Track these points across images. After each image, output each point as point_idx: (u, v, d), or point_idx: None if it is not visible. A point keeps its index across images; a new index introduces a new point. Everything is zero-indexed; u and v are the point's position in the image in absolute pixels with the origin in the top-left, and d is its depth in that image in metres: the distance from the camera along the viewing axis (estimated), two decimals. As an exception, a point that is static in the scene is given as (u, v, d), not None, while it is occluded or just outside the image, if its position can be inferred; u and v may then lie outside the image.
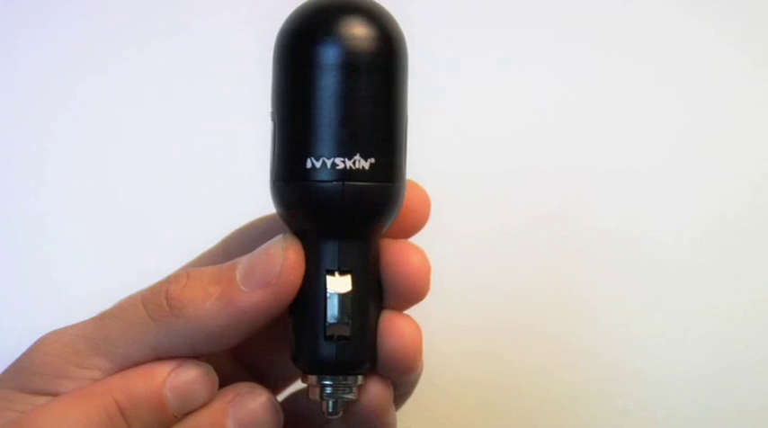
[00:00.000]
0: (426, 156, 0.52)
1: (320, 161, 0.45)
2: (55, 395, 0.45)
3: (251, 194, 0.51)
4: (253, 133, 0.51)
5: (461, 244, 0.72)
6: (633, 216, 0.73)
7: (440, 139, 0.72)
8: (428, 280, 0.47)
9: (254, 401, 0.46)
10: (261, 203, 0.48)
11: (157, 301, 0.45)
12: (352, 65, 0.45)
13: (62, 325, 0.48)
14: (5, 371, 0.46)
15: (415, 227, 0.48)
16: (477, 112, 0.73)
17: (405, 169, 0.46)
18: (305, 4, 0.46)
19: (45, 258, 0.74)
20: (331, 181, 0.45)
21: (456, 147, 0.73)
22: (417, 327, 0.47)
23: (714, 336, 0.74)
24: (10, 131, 0.74)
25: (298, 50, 0.45)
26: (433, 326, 0.68)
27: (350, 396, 0.46)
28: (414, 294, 0.47)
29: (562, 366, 0.73)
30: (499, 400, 0.73)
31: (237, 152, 0.71)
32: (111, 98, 0.74)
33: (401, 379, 0.48)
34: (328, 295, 0.46)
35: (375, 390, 0.47)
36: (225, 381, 0.47)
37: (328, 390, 0.46)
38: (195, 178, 0.74)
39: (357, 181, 0.45)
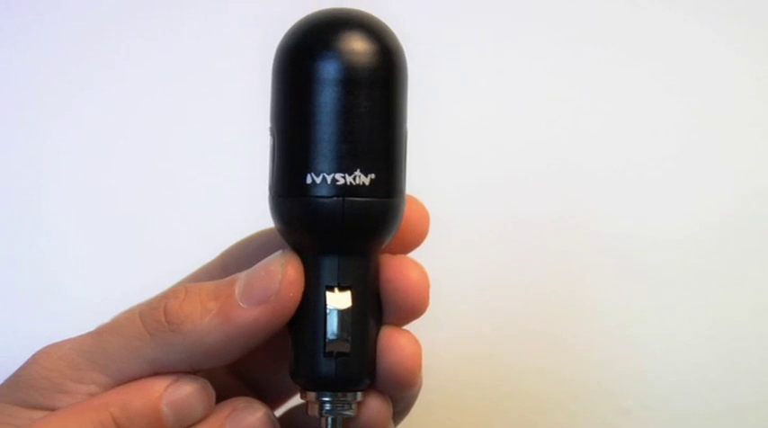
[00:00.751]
0: (424, 168, 0.52)
1: (320, 176, 0.44)
2: (52, 409, 0.45)
3: (253, 200, 0.50)
4: (258, 142, 0.50)
5: (462, 246, 0.72)
6: (633, 217, 0.73)
7: (436, 149, 0.72)
8: (427, 295, 0.47)
9: (251, 416, 0.46)
10: (263, 208, 0.47)
11: (155, 316, 0.45)
12: (352, 80, 0.44)
13: (62, 328, 0.48)
14: (2, 385, 0.46)
15: (414, 242, 0.48)
16: (474, 118, 0.73)
17: (405, 184, 0.46)
18: (303, 19, 0.45)
19: (44, 260, 0.74)
20: (331, 196, 0.44)
21: (452, 154, 0.73)
22: (417, 343, 0.47)
23: (714, 336, 0.74)
24: (10, 132, 0.74)
25: (297, 65, 0.45)
26: (435, 328, 0.68)
27: (349, 413, 0.46)
28: (413, 310, 0.47)
29: (563, 366, 0.73)
30: (500, 401, 0.73)
31: (242, 158, 0.71)
32: (112, 100, 0.74)
33: (400, 395, 0.47)
34: (328, 311, 0.45)
35: (374, 407, 0.47)
36: (223, 396, 0.47)
37: (327, 407, 0.46)
38: (196, 180, 0.74)
39: (358, 196, 0.45)
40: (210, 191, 0.74)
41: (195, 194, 0.74)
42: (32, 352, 0.47)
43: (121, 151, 0.74)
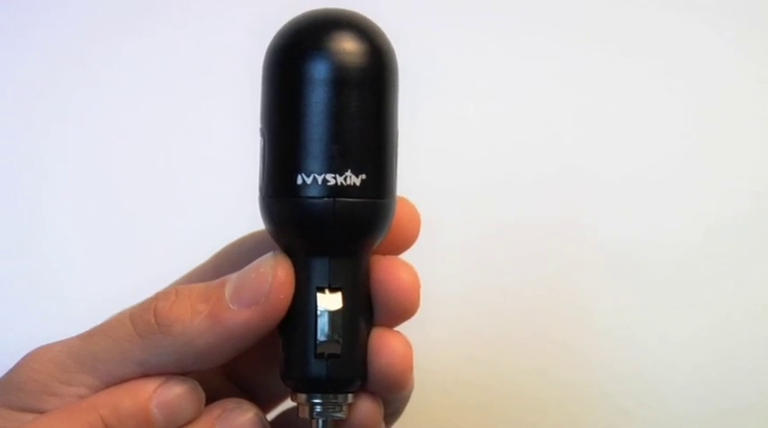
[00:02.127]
0: (416, 168, 0.51)
1: (311, 177, 0.44)
2: (41, 412, 0.45)
3: (252, 200, 0.50)
4: (257, 143, 0.50)
5: (454, 247, 0.72)
6: (632, 218, 0.73)
7: (429, 150, 0.71)
8: (418, 297, 0.46)
9: (241, 417, 0.46)
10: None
11: (145, 318, 0.45)
12: (343, 80, 0.44)
13: (62, 328, 0.48)
14: (-8, 387, 0.46)
15: (405, 243, 0.48)
16: (470, 119, 0.73)
17: (395, 185, 0.46)
18: (294, 20, 0.45)
19: (44, 260, 0.74)
20: (322, 197, 0.44)
21: (445, 155, 0.73)
22: (408, 344, 0.46)
23: (714, 337, 0.73)
24: (9, 132, 0.74)
25: (287, 65, 0.44)
26: (435, 329, 0.68)
27: (340, 415, 0.46)
28: (403, 311, 0.46)
29: (562, 367, 0.73)
30: (499, 402, 0.73)
31: (241, 159, 0.71)
32: (111, 101, 0.74)
33: (392, 397, 0.47)
34: (319, 312, 0.45)
35: (365, 408, 0.47)
36: (214, 398, 0.47)
37: (318, 409, 0.46)
38: (196, 181, 0.74)
39: (348, 197, 0.44)
40: (211, 192, 0.74)
41: (195, 195, 0.74)
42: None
43: (121, 152, 0.74)
